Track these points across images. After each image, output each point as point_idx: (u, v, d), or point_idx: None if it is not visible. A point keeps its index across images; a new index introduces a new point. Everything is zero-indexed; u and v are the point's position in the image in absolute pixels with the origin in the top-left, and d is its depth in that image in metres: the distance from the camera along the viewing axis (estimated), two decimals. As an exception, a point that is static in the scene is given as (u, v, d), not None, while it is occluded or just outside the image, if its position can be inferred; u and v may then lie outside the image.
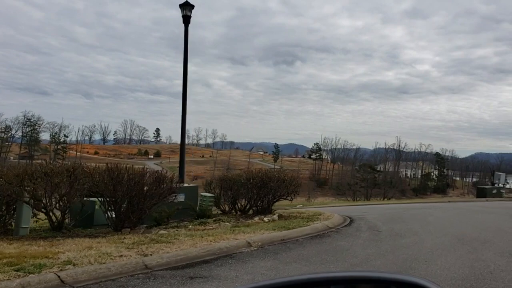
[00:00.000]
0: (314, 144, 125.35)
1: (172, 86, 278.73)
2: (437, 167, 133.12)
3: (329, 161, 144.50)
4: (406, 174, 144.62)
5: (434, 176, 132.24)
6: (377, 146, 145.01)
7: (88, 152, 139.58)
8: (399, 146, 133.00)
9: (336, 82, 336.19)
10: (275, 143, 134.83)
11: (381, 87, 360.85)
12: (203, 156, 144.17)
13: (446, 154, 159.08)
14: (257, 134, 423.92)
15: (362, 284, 1.46)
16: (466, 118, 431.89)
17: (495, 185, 44.91)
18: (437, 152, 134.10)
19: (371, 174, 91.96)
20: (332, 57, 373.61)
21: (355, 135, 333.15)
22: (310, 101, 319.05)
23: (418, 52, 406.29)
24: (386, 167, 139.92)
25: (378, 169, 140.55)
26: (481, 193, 40.38)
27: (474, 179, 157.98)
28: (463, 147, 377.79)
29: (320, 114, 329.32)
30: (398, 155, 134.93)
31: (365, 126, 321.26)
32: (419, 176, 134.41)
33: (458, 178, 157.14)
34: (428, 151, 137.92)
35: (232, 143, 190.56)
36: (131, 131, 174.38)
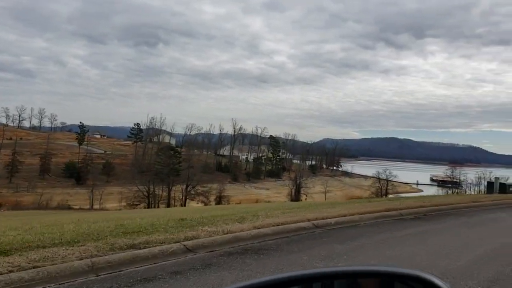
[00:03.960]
0: (135, 124, 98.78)
1: (20, 63, 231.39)
2: (272, 151, 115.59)
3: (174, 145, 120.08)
4: (246, 158, 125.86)
5: (265, 160, 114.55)
6: (211, 131, 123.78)
7: None
8: (235, 130, 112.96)
9: (201, 67, 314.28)
10: (81, 123, 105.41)
11: (243, 75, 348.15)
12: (10, 139, 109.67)
13: (289, 139, 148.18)
14: (117, 117, 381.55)
15: (365, 278, 1.36)
16: (317, 107, 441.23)
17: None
18: (271, 135, 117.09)
19: (172, 159, 68.47)
20: (196, 42, 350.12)
21: (219, 120, 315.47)
22: (175, 85, 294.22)
23: (276, 43, 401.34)
24: (222, 151, 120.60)
25: (220, 153, 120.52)
26: None
27: (314, 162, 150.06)
28: (314, 133, 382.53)
29: (185, 99, 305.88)
30: (233, 139, 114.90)
31: (228, 113, 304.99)
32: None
33: (298, 161, 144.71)
34: (264, 135, 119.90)
35: (64, 125, 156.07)
36: None
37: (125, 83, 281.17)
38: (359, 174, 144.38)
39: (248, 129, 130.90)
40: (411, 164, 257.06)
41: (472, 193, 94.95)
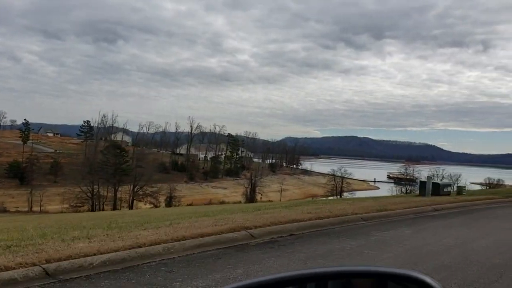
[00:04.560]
0: (84, 122, 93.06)
1: None
2: (230, 149, 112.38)
3: (129, 144, 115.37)
4: (205, 156, 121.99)
5: (224, 158, 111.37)
6: (168, 129, 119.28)
7: None
8: (192, 127, 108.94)
9: (161, 65, 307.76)
10: (25, 120, 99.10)
11: (205, 73, 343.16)
12: None
13: (250, 137, 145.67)
14: (76, 115, 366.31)
15: (359, 278, 1.35)
16: (279, 106, 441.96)
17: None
18: (229, 134, 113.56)
19: (119, 158, 63.89)
20: (156, 39, 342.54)
21: (181, 119, 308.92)
22: (135, 82, 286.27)
23: (239, 42, 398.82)
24: (180, 150, 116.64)
25: (178, 152, 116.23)
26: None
27: (274, 161, 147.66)
28: (277, 132, 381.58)
29: (145, 96, 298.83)
30: (191, 137, 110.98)
31: (191, 111, 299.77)
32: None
33: (259, 160, 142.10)
34: (222, 132, 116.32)
35: (14, 122, 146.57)
36: None
37: (84, 80, 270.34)
38: (318, 172, 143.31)
39: (209, 127, 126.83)
40: (370, 162, 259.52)
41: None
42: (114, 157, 63.99)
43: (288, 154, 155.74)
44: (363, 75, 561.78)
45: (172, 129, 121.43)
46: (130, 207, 65.42)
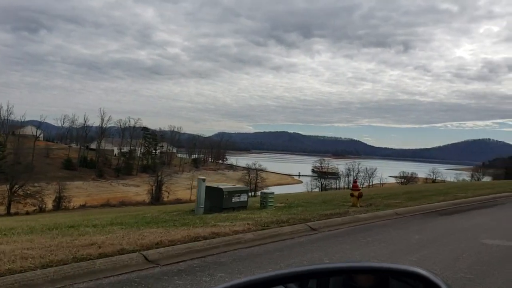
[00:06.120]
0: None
1: None
2: (147, 144, 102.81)
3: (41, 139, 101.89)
4: (121, 152, 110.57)
5: (142, 154, 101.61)
6: (88, 123, 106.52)
7: None
8: (102, 120, 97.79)
9: (87, 56, 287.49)
10: None
11: (134, 65, 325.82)
12: None
13: (175, 131, 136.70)
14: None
15: (360, 274, 1.37)
16: (212, 101, 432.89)
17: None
18: (144, 127, 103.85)
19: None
20: (83, 29, 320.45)
21: (108, 113, 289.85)
22: (59, 74, 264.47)
23: (169, 35, 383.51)
24: (95, 145, 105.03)
25: (90, 147, 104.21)
26: None
27: (198, 156, 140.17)
28: (211, 127, 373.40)
29: (70, 89, 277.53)
30: (101, 131, 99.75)
31: (119, 104, 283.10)
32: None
33: (183, 155, 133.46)
34: (138, 125, 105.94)
35: None
36: None
37: (2, 72, 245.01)
38: (243, 167, 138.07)
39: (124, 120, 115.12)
40: (299, 156, 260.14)
41: (336, 187, 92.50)
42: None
43: (215, 149, 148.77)
44: (293, 72, 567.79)
45: (91, 123, 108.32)
46: (8, 211, 54.80)
